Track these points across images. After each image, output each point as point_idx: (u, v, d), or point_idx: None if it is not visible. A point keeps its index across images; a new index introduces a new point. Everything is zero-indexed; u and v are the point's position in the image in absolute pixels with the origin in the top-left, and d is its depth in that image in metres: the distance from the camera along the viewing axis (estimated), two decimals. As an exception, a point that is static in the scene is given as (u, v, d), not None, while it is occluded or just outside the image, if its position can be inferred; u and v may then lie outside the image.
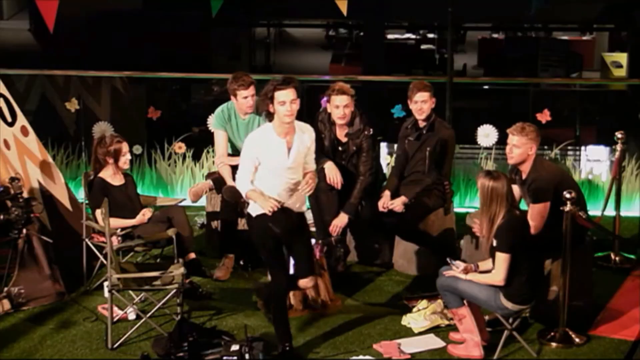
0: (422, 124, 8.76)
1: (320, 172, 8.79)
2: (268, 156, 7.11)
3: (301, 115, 10.71)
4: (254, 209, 7.30)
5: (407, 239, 8.87)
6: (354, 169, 8.83)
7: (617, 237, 9.19)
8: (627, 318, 8.03)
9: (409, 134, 8.84)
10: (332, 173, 8.73)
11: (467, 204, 10.75)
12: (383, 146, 10.27)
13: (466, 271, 7.29)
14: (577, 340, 7.64)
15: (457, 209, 9.51)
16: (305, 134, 7.26)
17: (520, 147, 7.68)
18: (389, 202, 8.62)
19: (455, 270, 7.32)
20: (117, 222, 8.33)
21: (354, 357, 7.42)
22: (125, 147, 8.47)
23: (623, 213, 9.51)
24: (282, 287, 7.35)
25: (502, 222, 7.05)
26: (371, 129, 8.79)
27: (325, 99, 9.04)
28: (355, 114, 8.79)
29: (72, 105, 11.28)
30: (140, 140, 11.11)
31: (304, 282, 7.47)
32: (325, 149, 8.91)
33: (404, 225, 8.72)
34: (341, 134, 8.88)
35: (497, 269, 7.09)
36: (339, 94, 8.74)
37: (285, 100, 6.98)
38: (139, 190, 9.19)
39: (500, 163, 10.56)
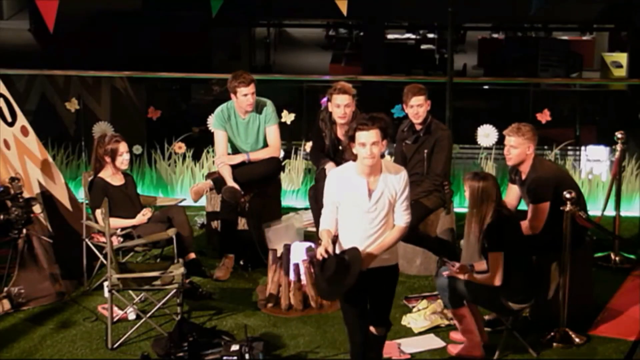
0: (418, 127, 8.76)
1: (320, 172, 8.82)
2: (346, 196, 6.39)
3: (301, 116, 10.80)
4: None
5: (406, 239, 8.87)
6: None
7: (617, 237, 9.19)
8: (627, 318, 8.03)
9: (406, 137, 8.85)
10: None
11: (466, 204, 10.72)
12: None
13: (461, 270, 7.30)
14: (577, 340, 7.64)
15: (457, 209, 9.50)
16: (397, 176, 6.44)
17: (518, 147, 7.69)
18: None
19: (452, 269, 7.34)
20: (117, 222, 8.33)
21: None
22: (122, 147, 8.46)
23: (623, 213, 9.51)
24: (358, 348, 6.62)
25: (490, 222, 7.07)
26: None
27: (325, 99, 9.05)
28: (356, 113, 8.80)
29: (72, 105, 11.28)
30: (140, 140, 11.10)
31: (376, 330, 6.69)
32: (326, 148, 8.94)
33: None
34: (342, 133, 8.89)
35: (491, 270, 7.10)
36: (340, 93, 8.76)
37: (366, 142, 6.27)
38: (139, 190, 9.20)
39: (500, 163, 10.56)
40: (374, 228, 6.40)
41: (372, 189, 6.35)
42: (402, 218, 6.46)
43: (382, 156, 6.45)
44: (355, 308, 6.52)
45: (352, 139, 6.34)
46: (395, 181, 6.40)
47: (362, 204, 6.35)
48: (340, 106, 8.77)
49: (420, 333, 7.81)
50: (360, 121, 6.34)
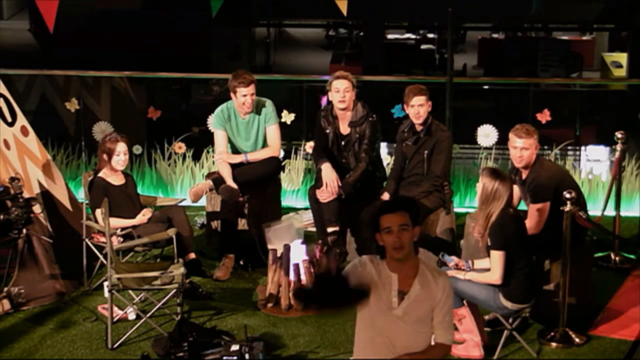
0: (419, 128, 8.77)
1: (319, 172, 8.83)
2: (376, 291, 5.24)
3: (301, 116, 10.81)
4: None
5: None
6: (355, 160, 8.88)
7: (617, 237, 9.19)
8: (627, 318, 8.03)
9: (407, 137, 8.86)
10: (329, 177, 8.73)
11: (467, 204, 10.75)
12: (383, 146, 10.28)
13: (458, 266, 7.32)
14: (577, 340, 7.65)
15: (457, 209, 9.51)
16: (439, 279, 5.31)
17: (529, 148, 7.72)
18: None
19: (449, 264, 7.35)
20: (117, 222, 8.32)
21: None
22: (120, 147, 8.42)
23: (623, 213, 9.51)
24: None
25: (495, 220, 7.07)
26: (375, 115, 8.85)
27: (325, 98, 9.07)
28: (357, 102, 8.84)
29: (72, 105, 11.28)
30: (140, 140, 11.11)
31: None
32: (330, 145, 8.95)
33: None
34: (344, 126, 8.91)
35: (493, 268, 7.10)
36: (339, 78, 8.83)
37: (392, 226, 5.21)
38: (139, 190, 9.19)
39: (500, 163, 10.56)
40: (399, 342, 5.29)
41: (405, 291, 5.26)
42: (443, 330, 5.33)
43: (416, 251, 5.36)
44: None
45: (374, 226, 5.27)
46: (435, 285, 5.26)
47: (388, 308, 5.26)
48: (340, 91, 8.80)
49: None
50: (382, 205, 5.41)
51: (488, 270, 7.17)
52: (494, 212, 7.09)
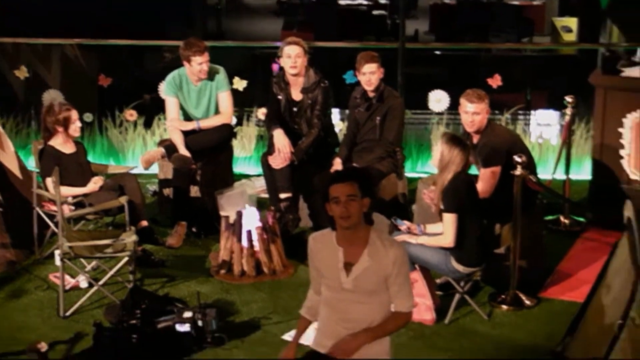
0: (371, 95, 8.78)
1: (271, 138, 8.82)
2: (323, 268, 5.18)
3: (253, 83, 10.77)
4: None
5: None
6: (307, 127, 8.88)
7: (567, 200, 9.28)
8: (577, 280, 8.12)
9: (359, 104, 8.87)
10: (281, 143, 8.72)
11: (419, 169, 10.79)
12: (335, 112, 10.28)
13: (410, 230, 7.37)
14: (527, 302, 7.73)
15: (408, 174, 9.55)
16: (390, 250, 5.11)
17: (480, 113, 7.76)
18: None
19: (401, 228, 7.40)
20: (68, 191, 8.27)
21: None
22: (74, 114, 8.42)
23: (573, 176, 9.59)
24: None
25: (448, 184, 7.11)
26: (327, 82, 8.85)
27: (276, 65, 9.05)
28: (308, 68, 8.84)
29: (22, 73, 11.18)
30: (90, 108, 11.03)
31: None
32: (282, 112, 8.94)
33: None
34: (296, 92, 8.91)
35: (445, 231, 7.15)
36: (291, 44, 8.82)
37: (339, 196, 5.06)
38: (90, 158, 9.14)
39: (451, 128, 10.59)
40: (350, 314, 5.15)
41: (352, 262, 5.11)
42: (401, 299, 5.17)
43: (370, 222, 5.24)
44: None
45: (325, 197, 5.13)
46: (385, 256, 5.08)
47: (337, 280, 5.13)
48: (291, 57, 8.79)
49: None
50: (334, 176, 5.28)
51: (440, 234, 7.22)
52: (448, 177, 7.13)
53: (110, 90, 11.02)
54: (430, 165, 9.84)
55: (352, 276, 5.07)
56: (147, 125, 10.98)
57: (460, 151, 7.13)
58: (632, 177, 8.93)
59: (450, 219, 7.11)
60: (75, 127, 8.43)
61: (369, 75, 8.68)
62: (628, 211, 5.97)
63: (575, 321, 6.46)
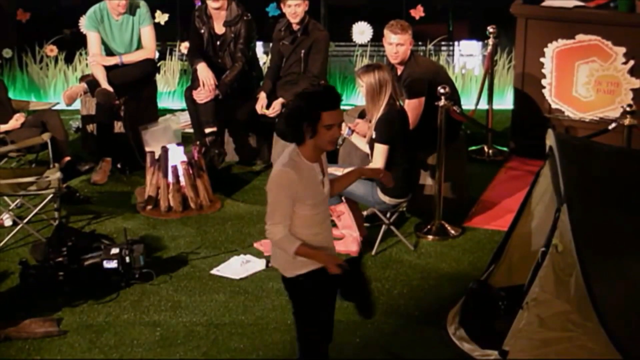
0: (296, 27, 8.74)
1: (195, 72, 8.77)
2: (308, 190, 5.21)
3: (174, 16, 10.66)
4: (298, 267, 5.30)
5: (283, 136, 8.90)
6: (231, 60, 8.83)
7: (490, 130, 9.37)
8: (500, 209, 8.24)
9: (284, 37, 8.83)
10: (205, 77, 8.68)
11: (343, 101, 10.78)
12: (259, 45, 10.22)
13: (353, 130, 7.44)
14: (452, 232, 7.83)
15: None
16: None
17: (404, 44, 7.77)
18: (271, 110, 8.64)
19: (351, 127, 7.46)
20: (-11, 128, 8.18)
21: (235, 257, 7.47)
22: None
23: (495, 106, 9.68)
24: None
25: (382, 114, 7.12)
26: (249, 14, 8.79)
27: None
28: (231, 1, 8.79)
29: (-64, 8, 10.95)
30: (9, 44, 10.83)
31: None
32: (205, 46, 8.88)
33: (281, 125, 8.73)
34: (219, 26, 8.85)
35: (375, 161, 7.18)
36: None
37: (334, 123, 5.22)
38: (11, 95, 9.02)
39: (375, 60, 10.60)
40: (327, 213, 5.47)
41: (324, 172, 5.35)
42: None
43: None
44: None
45: (311, 120, 5.22)
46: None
47: (320, 193, 5.29)
48: None
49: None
50: (326, 102, 5.34)
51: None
52: (383, 102, 7.12)
53: (29, 25, 10.82)
54: (357, 98, 9.90)
55: (326, 183, 5.33)
56: (69, 60, 10.82)
57: (380, 72, 7.13)
58: (554, 106, 9.04)
59: (382, 149, 7.13)
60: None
61: (295, 7, 8.64)
62: (550, 140, 6.04)
63: (499, 249, 6.55)
